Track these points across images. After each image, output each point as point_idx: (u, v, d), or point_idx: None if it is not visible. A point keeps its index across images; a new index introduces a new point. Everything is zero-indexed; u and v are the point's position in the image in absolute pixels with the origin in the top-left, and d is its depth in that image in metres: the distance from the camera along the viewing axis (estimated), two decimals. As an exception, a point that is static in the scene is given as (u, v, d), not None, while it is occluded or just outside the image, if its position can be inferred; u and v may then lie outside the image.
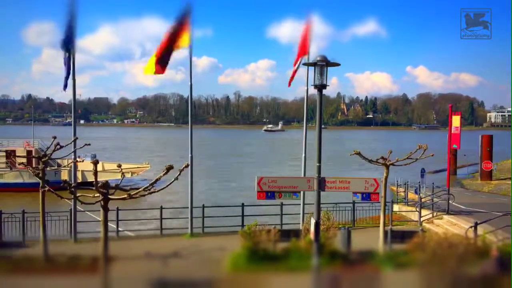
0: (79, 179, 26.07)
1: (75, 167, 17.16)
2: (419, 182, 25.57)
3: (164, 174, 8.62)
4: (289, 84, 17.88)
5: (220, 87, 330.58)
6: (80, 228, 17.18)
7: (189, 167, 14.93)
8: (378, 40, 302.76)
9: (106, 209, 8.76)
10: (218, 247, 14.79)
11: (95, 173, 8.65)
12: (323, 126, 12.82)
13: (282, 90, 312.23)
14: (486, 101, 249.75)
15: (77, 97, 17.69)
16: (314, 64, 10.96)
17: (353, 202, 18.98)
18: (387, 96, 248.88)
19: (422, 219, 20.49)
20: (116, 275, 8.99)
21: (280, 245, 12.88)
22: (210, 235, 18.26)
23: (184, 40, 16.26)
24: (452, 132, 22.35)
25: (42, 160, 13.89)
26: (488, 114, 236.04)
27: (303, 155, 18.08)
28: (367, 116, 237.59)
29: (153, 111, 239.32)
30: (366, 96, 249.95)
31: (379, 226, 15.38)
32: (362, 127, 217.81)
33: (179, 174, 8.89)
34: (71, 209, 16.82)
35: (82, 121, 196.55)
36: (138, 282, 10.22)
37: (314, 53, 15.71)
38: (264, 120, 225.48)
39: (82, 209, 16.98)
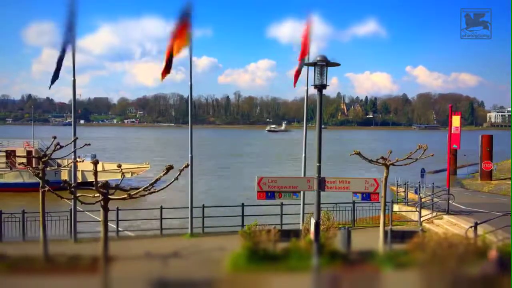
0: (79, 179, 26.09)
1: (75, 167, 17.16)
2: (419, 182, 25.58)
3: (164, 174, 8.62)
4: (294, 85, 17.94)
5: (220, 87, 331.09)
6: (80, 228, 17.18)
7: (189, 167, 14.94)
8: (378, 40, 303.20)
9: (106, 209, 8.76)
10: (218, 247, 14.79)
11: (95, 173, 8.65)
12: (323, 126, 12.82)
13: (282, 90, 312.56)
14: (486, 101, 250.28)
15: (77, 97, 17.69)
16: (314, 64, 10.96)
17: (353, 202, 18.98)
18: (387, 96, 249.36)
19: (422, 219, 20.49)
20: (116, 275, 8.99)
21: (280, 245, 12.88)
22: (210, 235, 18.26)
23: (184, 40, 16.26)
24: (452, 132, 22.35)
25: (42, 160, 13.88)
26: (488, 114, 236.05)
27: (303, 155, 18.09)
28: (367, 116, 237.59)
29: (153, 111, 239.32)
30: (366, 96, 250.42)
31: (379, 226, 15.38)
32: (362, 127, 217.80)
33: (179, 174, 8.89)
34: (71, 209, 16.82)
35: (82, 121, 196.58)
36: (138, 282, 10.22)
37: (314, 53, 15.72)
38: (267, 120, 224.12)
39: (82, 209, 16.99)
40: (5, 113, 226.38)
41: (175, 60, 16.47)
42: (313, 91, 11.54)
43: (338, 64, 11.15)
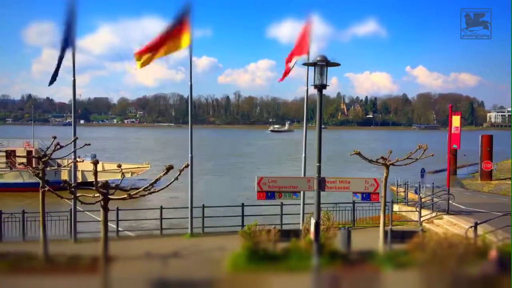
0: (79, 179, 26.10)
1: (75, 167, 17.16)
2: (419, 182, 25.57)
3: (164, 174, 8.62)
4: (282, 79, 17.81)
5: (220, 87, 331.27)
6: (80, 228, 17.18)
7: (189, 167, 14.93)
8: (378, 40, 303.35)
9: (106, 209, 8.76)
10: (218, 247, 14.79)
11: (95, 173, 8.65)
12: (323, 126, 12.82)
13: (282, 90, 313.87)
14: (486, 101, 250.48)
15: (77, 97, 17.69)
16: (314, 64, 10.96)
17: (353, 202, 18.98)
18: (387, 96, 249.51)
19: (422, 219, 20.49)
20: (116, 275, 8.99)
21: (280, 245, 12.88)
22: (210, 235, 18.26)
23: (184, 40, 16.25)
24: (452, 132, 22.35)
25: (42, 160, 13.88)
26: (488, 114, 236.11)
27: (303, 155, 18.09)
28: (367, 116, 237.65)
29: (153, 111, 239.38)
30: (366, 96, 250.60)
31: (379, 226, 15.38)
32: (362, 127, 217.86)
33: (179, 174, 8.89)
34: (71, 209, 16.82)
35: (82, 121, 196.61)
36: (138, 282, 10.22)
37: (314, 53, 15.72)
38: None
39: (82, 209, 16.99)
40: (5, 113, 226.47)
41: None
42: (313, 91, 11.55)
43: (338, 64, 11.16)
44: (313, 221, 11.15)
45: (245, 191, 31.45)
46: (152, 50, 15.86)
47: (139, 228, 20.35)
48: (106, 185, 8.55)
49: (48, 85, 16.00)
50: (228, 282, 10.89)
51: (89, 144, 15.95)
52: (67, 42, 15.60)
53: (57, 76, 15.81)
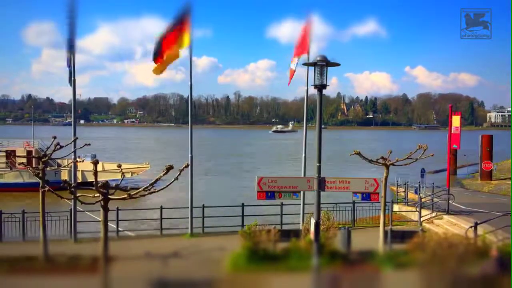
0: (79, 179, 26.09)
1: (75, 167, 17.15)
2: (419, 182, 25.57)
3: (164, 174, 8.62)
4: (289, 83, 17.95)
5: (220, 87, 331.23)
6: (80, 228, 17.18)
7: (189, 167, 14.93)
8: (378, 40, 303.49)
9: (106, 209, 8.76)
10: (218, 247, 14.79)
11: (95, 173, 8.65)
12: (323, 126, 12.82)
13: (282, 90, 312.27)
14: (486, 101, 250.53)
15: (77, 97, 17.70)
16: (314, 64, 10.96)
17: (353, 202, 18.98)
18: (387, 96, 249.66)
19: (422, 219, 20.49)
20: (116, 275, 8.99)
21: (280, 245, 12.88)
22: (210, 235, 18.26)
23: (184, 40, 16.25)
24: (452, 132, 22.34)
25: (42, 160, 13.88)
26: (488, 114, 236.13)
27: (303, 155, 18.08)
28: (367, 116, 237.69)
29: (153, 111, 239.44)
30: (366, 96, 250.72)
31: (379, 226, 15.38)
32: (362, 127, 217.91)
33: (179, 174, 8.89)
34: (71, 209, 16.81)
35: (82, 121, 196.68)
36: (138, 282, 10.22)
37: (314, 53, 15.69)
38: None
39: (82, 209, 16.99)
40: (5, 113, 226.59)
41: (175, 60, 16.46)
42: (313, 91, 11.55)
43: (338, 64, 11.16)
44: (313, 221, 11.15)
45: (245, 191, 31.46)
46: (165, 56, 16.03)
47: (139, 228, 20.34)
48: (106, 185, 8.55)
49: (70, 84, 16.29)
50: (228, 282, 10.89)
51: (89, 144, 15.95)
52: (70, 43, 15.70)
53: (71, 75, 16.04)
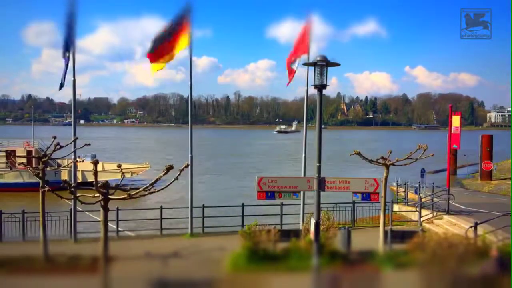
0: (79, 179, 26.08)
1: (75, 167, 17.15)
2: (419, 182, 25.58)
3: (164, 174, 8.62)
4: (289, 83, 17.85)
5: (220, 87, 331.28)
6: (80, 228, 17.18)
7: (189, 167, 14.93)
8: (378, 40, 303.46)
9: (106, 209, 8.76)
10: (218, 247, 14.78)
11: (95, 173, 8.64)
12: (323, 126, 12.82)
13: (282, 90, 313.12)
14: (486, 101, 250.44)
15: (77, 97, 17.70)
16: (314, 64, 10.96)
17: (353, 202, 18.97)
18: (387, 96, 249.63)
19: (422, 219, 20.49)
20: (116, 275, 8.99)
21: (280, 245, 12.88)
22: (210, 235, 18.26)
23: (184, 40, 16.25)
24: (452, 132, 22.34)
25: (42, 160, 13.88)
26: (488, 114, 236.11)
27: (303, 155, 18.08)
28: (367, 116, 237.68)
29: (153, 111, 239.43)
30: (366, 96, 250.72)
31: (379, 226, 15.38)
32: (362, 127, 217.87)
33: (179, 174, 8.89)
34: (71, 209, 16.81)
35: (82, 121, 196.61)
36: (138, 282, 10.22)
37: (314, 53, 15.68)
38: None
39: (82, 209, 16.98)
40: (5, 113, 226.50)
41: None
42: (313, 91, 11.55)
43: (338, 64, 11.16)
44: (313, 221, 11.15)
45: (245, 191, 31.46)
46: (163, 55, 15.97)
47: (139, 228, 20.34)
48: (106, 185, 8.55)
49: (59, 90, 16.21)
50: (228, 282, 10.89)
51: (89, 144, 15.95)
52: (69, 43, 15.65)
53: (64, 79, 16.02)
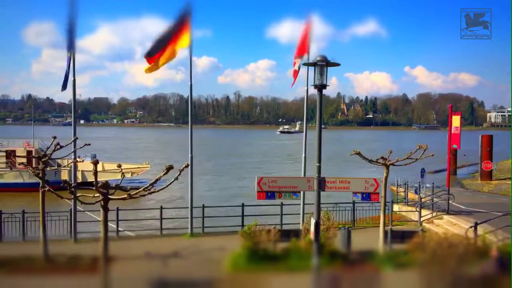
0: (79, 179, 26.09)
1: (75, 167, 17.16)
2: (419, 182, 25.58)
3: (164, 174, 8.62)
4: (292, 85, 17.96)
5: (220, 87, 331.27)
6: (80, 228, 17.18)
7: (189, 167, 14.93)
8: (378, 40, 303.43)
9: (106, 209, 8.76)
10: (218, 247, 14.78)
11: (95, 173, 8.64)
12: (323, 126, 12.81)
13: (282, 90, 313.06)
14: (486, 101, 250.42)
15: (77, 97, 17.70)
16: (314, 64, 10.96)
17: (353, 202, 18.97)
18: (387, 96, 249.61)
19: (422, 219, 20.49)
20: (116, 275, 8.99)
21: (280, 245, 12.88)
22: (210, 235, 18.26)
23: (184, 40, 16.25)
24: (452, 132, 22.34)
25: (42, 160, 13.88)
26: (488, 114, 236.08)
27: (303, 155, 18.09)
28: (367, 116, 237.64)
29: (153, 111, 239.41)
30: (366, 96, 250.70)
31: (379, 226, 15.38)
32: (362, 127, 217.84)
33: (179, 174, 8.89)
34: (71, 209, 16.81)
35: (82, 121, 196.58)
36: (138, 282, 10.21)
37: (314, 53, 15.68)
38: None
39: (82, 209, 16.98)
40: (5, 113, 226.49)
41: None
42: (313, 91, 11.55)
43: (338, 64, 11.16)
44: (313, 221, 11.15)
45: (245, 191, 31.46)
46: (161, 56, 15.98)
47: (139, 228, 20.34)
48: (106, 185, 8.55)
49: (61, 91, 16.23)
50: (228, 282, 10.89)
51: (89, 144, 15.95)
52: (70, 43, 15.69)
53: (67, 80, 16.01)
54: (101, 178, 14.84)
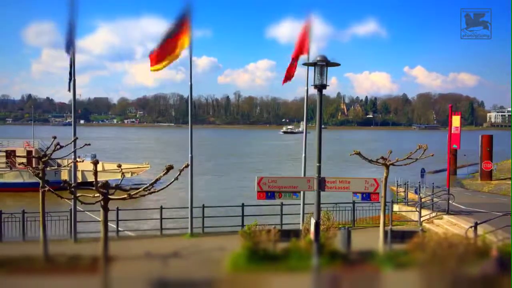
0: (79, 179, 26.08)
1: (75, 167, 17.16)
2: (419, 182, 25.57)
3: (164, 174, 8.62)
4: (283, 82, 17.56)
5: (220, 87, 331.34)
6: (80, 228, 17.18)
7: (189, 167, 14.93)
8: (378, 40, 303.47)
9: (106, 209, 8.76)
10: (218, 247, 14.78)
11: (95, 173, 8.64)
12: (323, 126, 12.82)
13: (282, 90, 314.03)
14: (486, 101, 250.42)
15: (77, 97, 17.70)
16: (314, 64, 10.96)
17: (353, 202, 18.97)
18: (387, 96, 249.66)
19: (422, 219, 20.49)
20: (116, 275, 8.99)
21: (280, 245, 12.88)
22: (210, 235, 18.26)
23: (185, 40, 16.25)
24: (452, 132, 22.34)
25: (42, 160, 13.88)
26: (488, 114, 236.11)
27: (303, 155, 18.08)
28: (367, 116, 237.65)
29: (153, 111, 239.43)
30: (366, 96, 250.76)
31: (379, 226, 15.38)
32: (362, 127, 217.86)
33: (179, 174, 8.89)
34: (71, 209, 16.81)
35: (82, 121, 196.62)
36: (138, 282, 10.21)
37: (314, 53, 15.69)
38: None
39: (82, 209, 16.99)
40: (5, 113, 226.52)
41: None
42: (313, 91, 11.55)
43: (338, 64, 11.16)
44: (313, 221, 11.15)
45: (245, 191, 31.45)
46: (165, 56, 16.01)
47: (139, 228, 20.34)
48: (106, 185, 8.54)
49: (68, 91, 16.30)
50: (228, 282, 10.89)
51: (89, 144, 15.94)
52: (70, 43, 15.71)
53: (71, 79, 16.03)
54: (101, 178, 14.86)
